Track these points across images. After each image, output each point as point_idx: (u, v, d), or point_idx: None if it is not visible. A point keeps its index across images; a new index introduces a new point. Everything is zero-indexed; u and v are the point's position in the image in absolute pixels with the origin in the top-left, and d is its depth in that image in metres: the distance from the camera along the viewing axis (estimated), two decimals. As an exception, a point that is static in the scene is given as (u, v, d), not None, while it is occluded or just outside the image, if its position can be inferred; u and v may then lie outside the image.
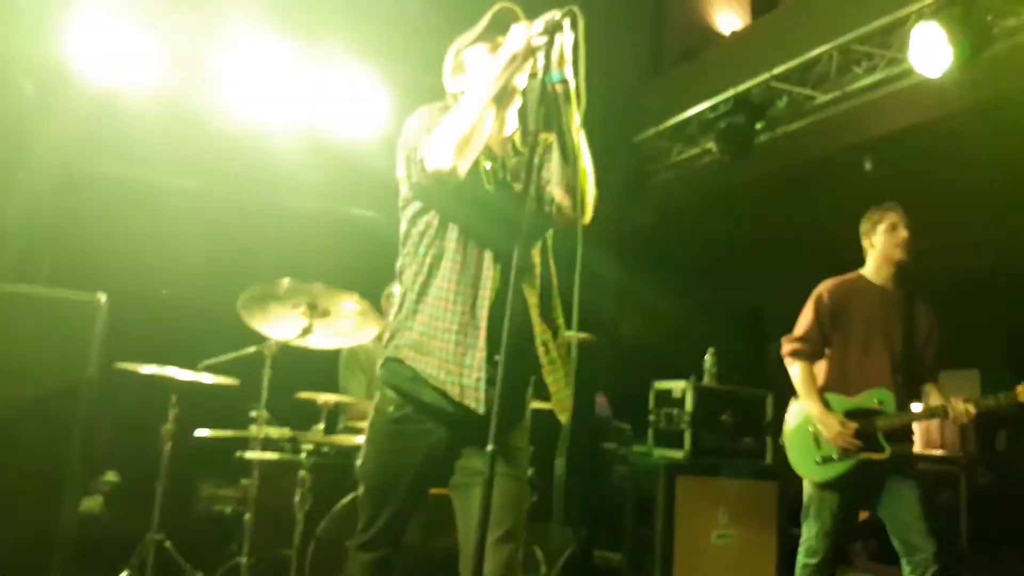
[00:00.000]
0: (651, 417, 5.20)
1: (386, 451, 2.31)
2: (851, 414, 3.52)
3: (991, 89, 4.85)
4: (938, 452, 7.17)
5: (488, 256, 2.22)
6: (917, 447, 7.36)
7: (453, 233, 2.24)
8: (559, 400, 2.30)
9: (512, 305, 1.94)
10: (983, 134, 5.15)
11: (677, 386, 5.09)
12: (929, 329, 3.66)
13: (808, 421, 3.62)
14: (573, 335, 2.14)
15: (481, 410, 2.14)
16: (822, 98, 5.49)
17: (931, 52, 4.52)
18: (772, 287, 7.63)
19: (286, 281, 3.83)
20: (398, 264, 2.36)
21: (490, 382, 2.14)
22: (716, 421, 5.04)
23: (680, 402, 5.04)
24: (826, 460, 3.54)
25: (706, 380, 5.22)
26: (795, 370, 3.67)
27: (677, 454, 4.96)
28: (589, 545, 4.92)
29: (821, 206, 6.71)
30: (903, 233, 3.66)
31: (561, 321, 2.36)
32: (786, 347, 3.70)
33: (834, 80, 5.37)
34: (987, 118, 5.08)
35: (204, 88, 5.24)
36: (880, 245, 3.70)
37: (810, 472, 3.60)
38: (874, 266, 3.74)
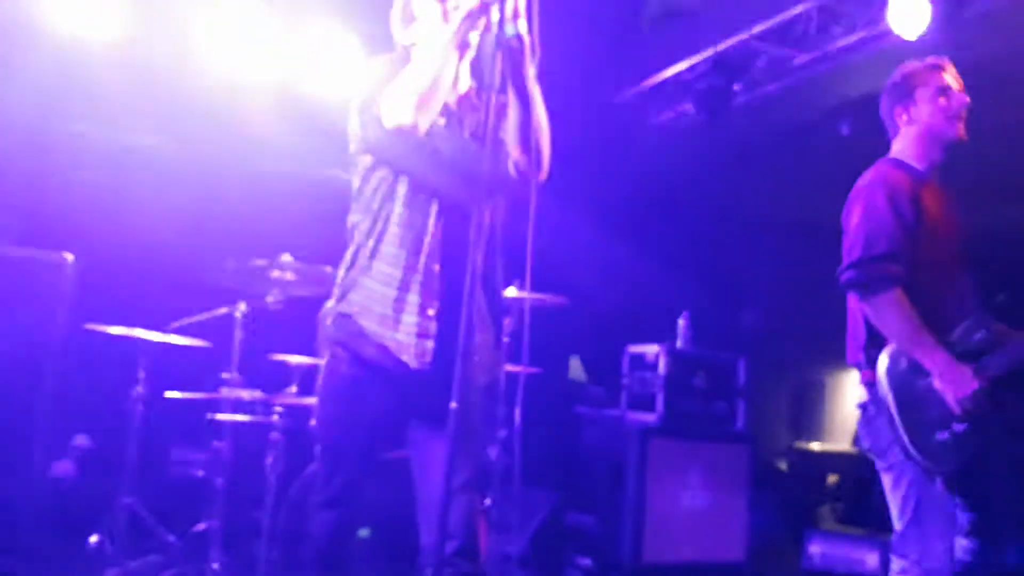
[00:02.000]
0: (624, 381, 5.22)
1: (339, 409, 2.31)
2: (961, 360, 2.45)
3: (970, 51, 4.82)
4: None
5: (433, 211, 2.22)
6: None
7: (403, 189, 2.23)
8: (480, 360, 2.27)
9: (459, 263, 1.97)
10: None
11: (650, 350, 5.11)
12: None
13: (916, 379, 2.47)
14: (526, 296, 2.12)
15: (414, 364, 2.17)
16: (801, 58, 5.45)
17: (909, 13, 4.50)
18: (747, 252, 7.64)
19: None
20: (349, 220, 2.34)
21: (431, 338, 2.17)
22: (689, 385, 5.06)
23: (653, 366, 5.05)
24: (957, 434, 2.40)
25: (679, 344, 5.24)
26: (887, 302, 2.49)
27: (650, 417, 4.98)
28: (562, 508, 4.95)
29: (799, 170, 6.70)
30: (959, 98, 2.69)
31: (501, 282, 2.36)
32: (860, 271, 2.55)
33: (813, 40, 5.33)
34: (966, 81, 5.06)
35: (174, 44, 5.11)
36: (925, 117, 2.69)
37: (933, 454, 2.41)
38: (916, 150, 2.71)
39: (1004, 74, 4.84)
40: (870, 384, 2.55)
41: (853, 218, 2.64)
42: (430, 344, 2.18)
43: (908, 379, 2.47)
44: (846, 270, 2.59)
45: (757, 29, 5.44)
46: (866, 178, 2.70)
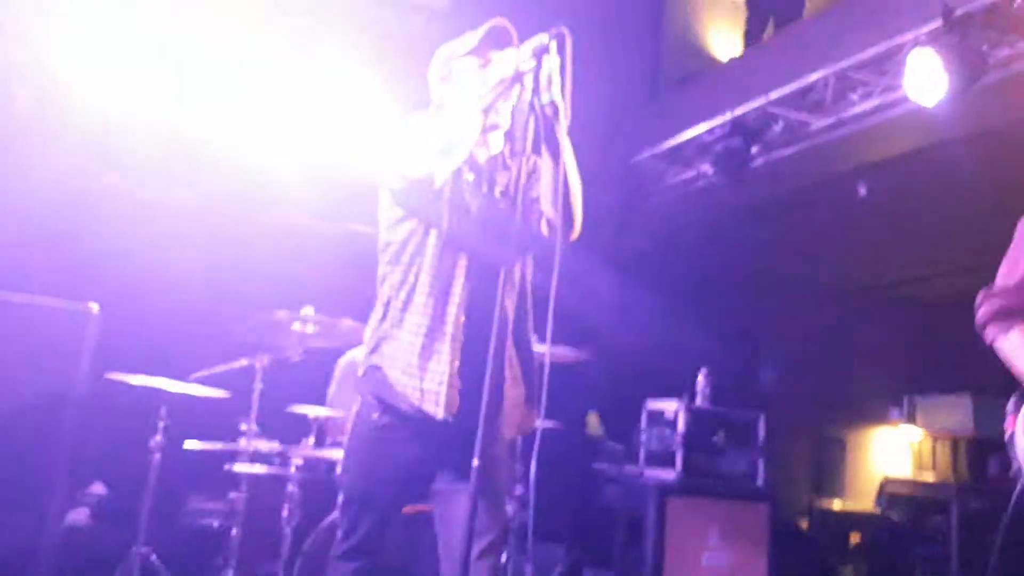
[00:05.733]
0: (643, 437, 5.19)
1: (367, 458, 2.33)
2: None
3: (985, 118, 4.88)
4: (930, 477, 7.14)
5: (461, 266, 2.26)
6: (908, 471, 7.33)
7: (433, 242, 2.28)
8: (510, 416, 2.30)
9: (486, 318, 2.01)
10: (976, 163, 5.18)
11: (669, 406, 5.09)
12: None
13: None
14: (546, 351, 2.13)
15: (440, 415, 2.17)
16: (818, 123, 5.52)
17: (926, 80, 4.55)
18: (764, 310, 7.65)
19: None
20: (379, 272, 2.38)
21: (460, 392, 2.18)
22: (708, 442, 5.03)
23: (672, 422, 5.03)
24: None
25: (698, 400, 5.22)
26: (1005, 343, 2.23)
27: (668, 474, 4.94)
28: (579, 564, 4.89)
29: (815, 230, 6.73)
30: None
31: (533, 338, 2.39)
32: (982, 307, 2.32)
33: (830, 106, 5.40)
34: (980, 147, 5.11)
35: (202, 103, 5.25)
36: None
37: None
38: None
39: (1020, 141, 4.88)
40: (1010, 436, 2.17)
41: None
42: (456, 394, 2.18)
43: None
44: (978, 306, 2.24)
45: (774, 95, 5.54)
46: None
